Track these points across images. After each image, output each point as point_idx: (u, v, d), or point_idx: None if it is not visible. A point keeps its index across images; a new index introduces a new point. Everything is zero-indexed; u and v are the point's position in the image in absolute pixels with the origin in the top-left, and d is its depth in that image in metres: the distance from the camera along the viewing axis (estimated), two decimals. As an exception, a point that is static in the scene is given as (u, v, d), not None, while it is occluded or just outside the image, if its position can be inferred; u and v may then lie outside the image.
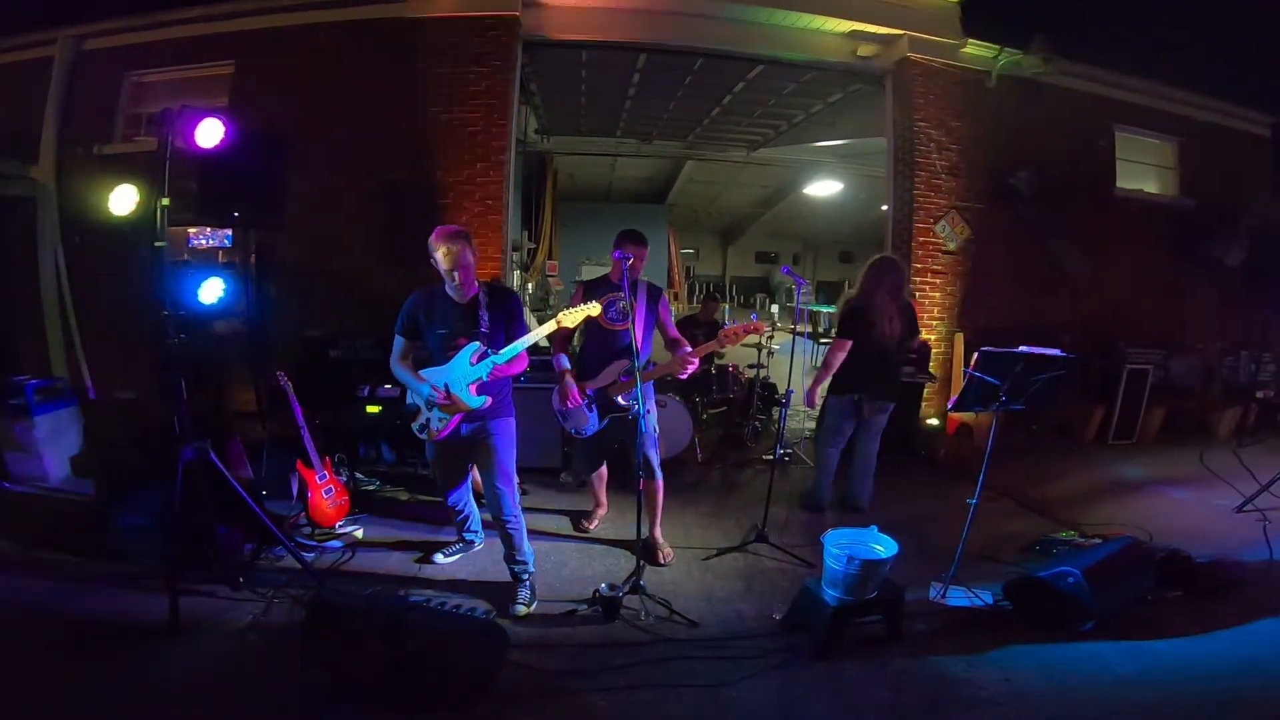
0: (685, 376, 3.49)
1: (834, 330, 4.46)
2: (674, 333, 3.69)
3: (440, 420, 3.08)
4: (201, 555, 3.27)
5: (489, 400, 3.04)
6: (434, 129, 5.93)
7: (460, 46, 5.90)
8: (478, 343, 3.00)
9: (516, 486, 3.23)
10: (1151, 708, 2.51)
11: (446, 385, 2.99)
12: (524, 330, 3.09)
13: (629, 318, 3.26)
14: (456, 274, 2.97)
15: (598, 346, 3.64)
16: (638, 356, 3.21)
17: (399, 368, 3.15)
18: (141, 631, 2.82)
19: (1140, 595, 3.19)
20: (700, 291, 19.80)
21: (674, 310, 4.55)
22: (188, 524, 3.09)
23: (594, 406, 3.58)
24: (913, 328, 4.28)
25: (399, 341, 3.16)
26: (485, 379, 2.99)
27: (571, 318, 3.06)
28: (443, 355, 3.06)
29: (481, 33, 5.89)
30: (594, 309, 3.08)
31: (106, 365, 6.37)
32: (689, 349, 3.48)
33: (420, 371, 3.09)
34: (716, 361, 6.45)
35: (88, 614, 2.98)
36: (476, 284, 3.10)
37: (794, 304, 3.98)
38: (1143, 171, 7.85)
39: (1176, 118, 7.74)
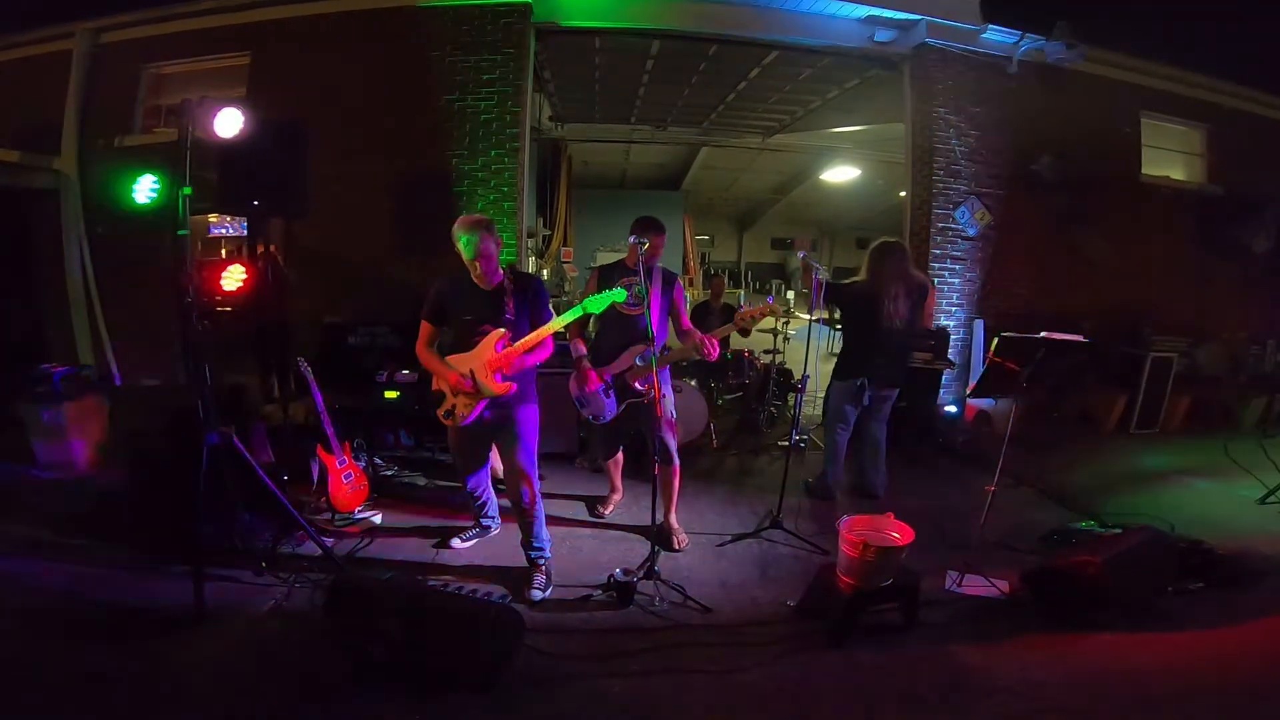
0: (713, 359, 3.49)
1: (828, 289, 4.25)
2: (686, 323, 3.70)
3: (466, 406, 3.11)
4: (225, 541, 3.33)
5: (514, 386, 3.07)
6: (448, 117, 5.94)
7: (474, 34, 5.90)
8: (503, 329, 3.02)
9: (537, 473, 3.26)
10: (1170, 699, 2.49)
11: (473, 371, 3.02)
12: (549, 316, 3.11)
13: (645, 303, 3.26)
14: (479, 263, 3.00)
15: (613, 332, 3.64)
16: (654, 341, 3.21)
17: (425, 353, 3.19)
18: (166, 617, 2.87)
19: (1161, 586, 3.15)
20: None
21: (689, 297, 4.52)
22: (212, 510, 3.15)
23: (611, 392, 3.59)
24: (921, 307, 4.22)
25: (425, 327, 3.20)
26: (510, 365, 3.01)
27: (597, 303, 3.08)
28: (468, 341, 3.09)
29: (494, 20, 5.88)
30: (619, 295, 3.09)
31: (131, 353, 6.48)
32: (701, 337, 3.47)
33: (447, 358, 3.13)
34: (732, 347, 6.44)
35: (113, 599, 3.04)
36: (500, 271, 3.11)
37: (810, 290, 3.95)
38: (1169, 158, 7.70)
39: (1205, 104, 7.56)
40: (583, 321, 3.54)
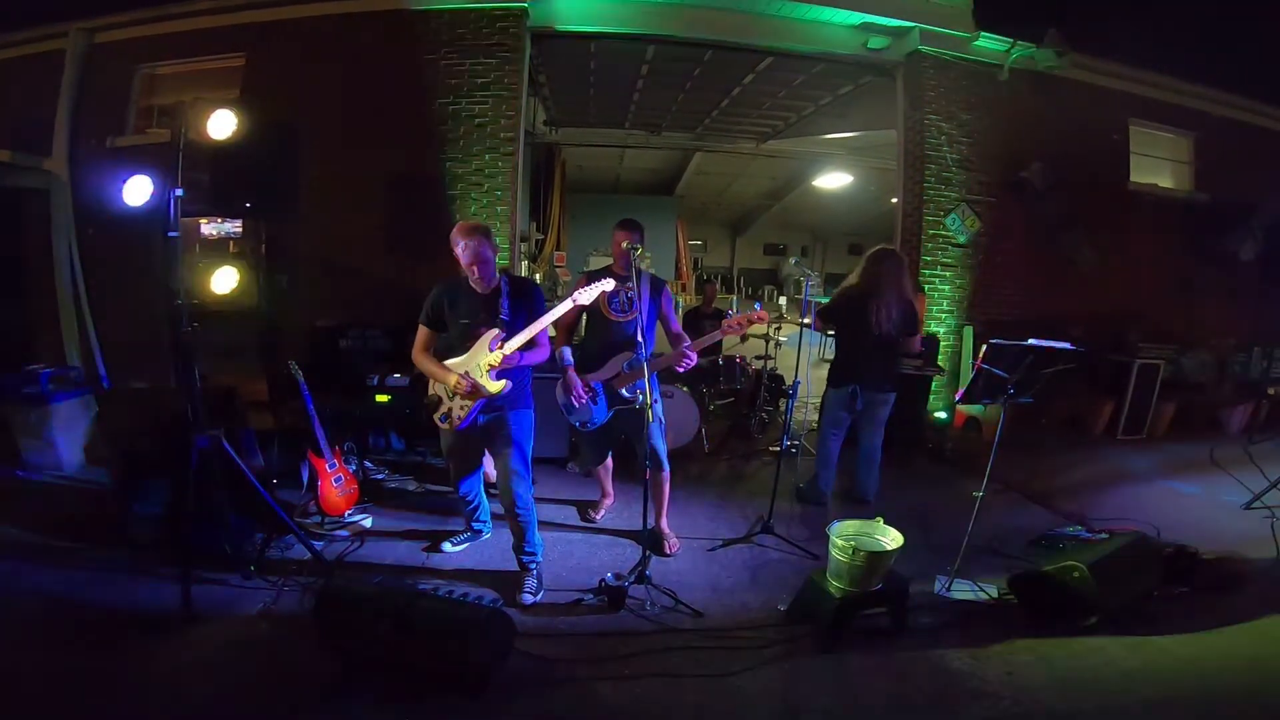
0: (683, 369, 3.49)
1: (818, 312, 4.47)
2: (676, 327, 3.70)
3: (461, 409, 3.12)
4: (214, 544, 3.31)
5: (508, 384, 3.08)
6: (443, 120, 5.94)
7: (469, 38, 5.91)
8: (497, 329, 3.03)
9: (530, 477, 3.26)
10: (1155, 703, 2.51)
11: (468, 373, 3.03)
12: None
13: (633, 308, 3.27)
14: (476, 268, 3.03)
15: (600, 338, 3.64)
16: (644, 347, 3.22)
17: (421, 357, 3.19)
18: (155, 620, 2.86)
19: (1146, 591, 3.17)
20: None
21: (681, 302, 4.54)
22: (200, 513, 3.14)
23: (599, 399, 3.59)
24: (910, 323, 4.24)
25: (422, 331, 3.21)
26: (504, 366, 3.02)
27: (587, 295, 3.11)
28: (464, 345, 3.11)
29: (490, 24, 5.89)
30: (608, 284, 3.14)
31: (120, 354, 6.44)
32: (689, 343, 3.48)
33: (444, 362, 3.14)
34: (724, 353, 6.46)
35: (102, 602, 3.02)
36: (498, 276, 3.13)
37: (802, 296, 3.98)
38: (1157, 166, 7.78)
39: (1192, 112, 7.65)
40: (570, 327, 3.55)
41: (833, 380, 4.38)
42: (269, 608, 3.00)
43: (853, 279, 4.33)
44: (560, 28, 6.21)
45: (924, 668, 2.73)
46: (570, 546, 3.80)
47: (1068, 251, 6.97)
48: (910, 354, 4.32)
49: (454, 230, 3.05)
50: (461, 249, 3.00)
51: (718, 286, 7.76)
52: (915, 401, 5.84)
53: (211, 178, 4.06)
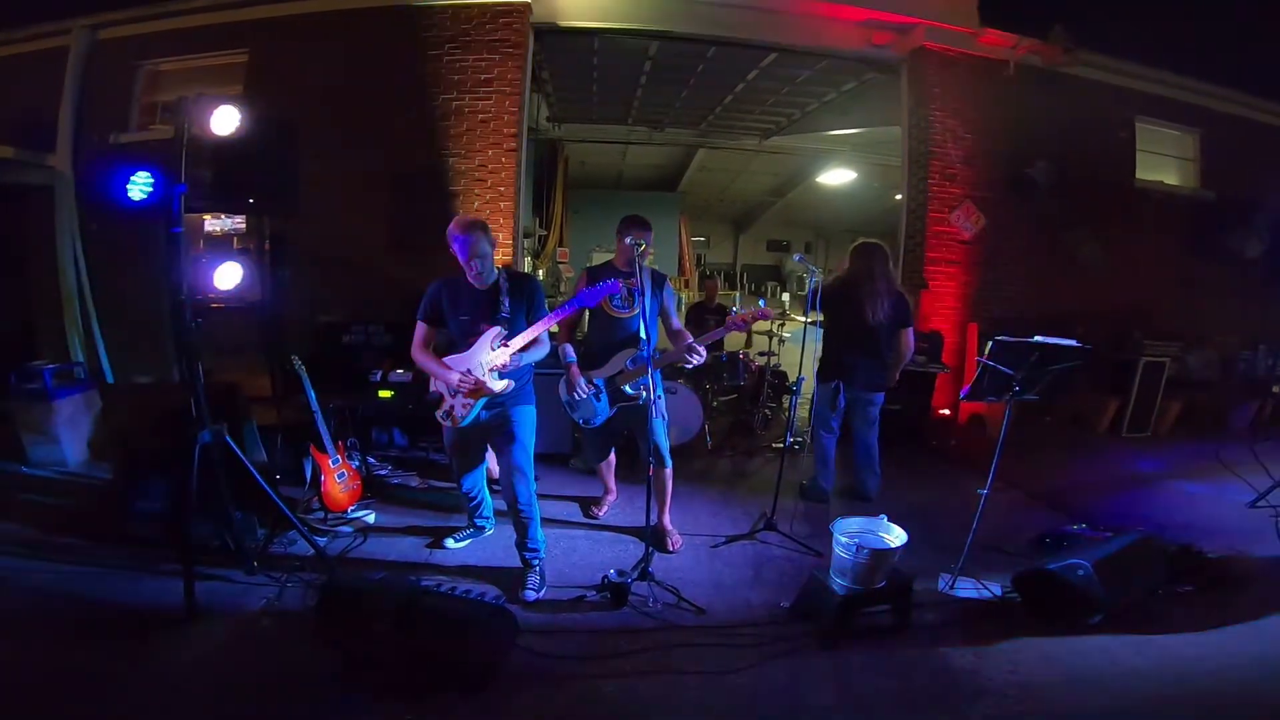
0: (691, 365, 3.48)
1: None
2: (676, 324, 3.68)
3: (464, 406, 3.11)
4: (217, 540, 3.32)
5: (511, 384, 3.08)
6: (446, 116, 5.94)
7: (472, 33, 5.91)
8: (498, 327, 3.03)
9: (533, 473, 3.26)
10: (1159, 702, 2.50)
11: (469, 371, 3.02)
12: (544, 315, 3.12)
13: (636, 304, 3.25)
14: (475, 263, 3.01)
15: (603, 335, 3.63)
16: (648, 344, 3.21)
17: (421, 354, 3.18)
18: (157, 616, 2.86)
19: (1151, 589, 3.16)
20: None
21: (683, 298, 4.51)
22: (203, 508, 3.14)
23: (602, 396, 3.58)
24: (903, 313, 4.20)
25: (421, 328, 3.20)
26: (506, 363, 3.02)
27: (592, 296, 3.09)
28: (464, 342, 3.10)
29: (493, 19, 5.89)
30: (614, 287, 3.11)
31: (124, 350, 6.45)
32: (691, 339, 3.47)
33: (444, 359, 3.13)
34: (727, 349, 6.45)
35: (104, 598, 3.02)
36: (496, 271, 3.12)
37: (805, 292, 3.97)
38: (1163, 163, 7.75)
39: (1198, 109, 7.61)
40: (572, 324, 3.53)
41: (818, 377, 4.38)
42: (272, 604, 2.99)
43: (842, 272, 4.29)
44: (563, 23, 6.20)
45: (927, 666, 2.72)
46: (573, 543, 3.80)
47: (1073, 248, 6.95)
48: (904, 354, 4.28)
49: (451, 225, 3.01)
50: (459, 245, 2.97)
51: (719, 282, 7.75)
52: (919, 398, 5.82)
53: (214, 174, 4.04)
